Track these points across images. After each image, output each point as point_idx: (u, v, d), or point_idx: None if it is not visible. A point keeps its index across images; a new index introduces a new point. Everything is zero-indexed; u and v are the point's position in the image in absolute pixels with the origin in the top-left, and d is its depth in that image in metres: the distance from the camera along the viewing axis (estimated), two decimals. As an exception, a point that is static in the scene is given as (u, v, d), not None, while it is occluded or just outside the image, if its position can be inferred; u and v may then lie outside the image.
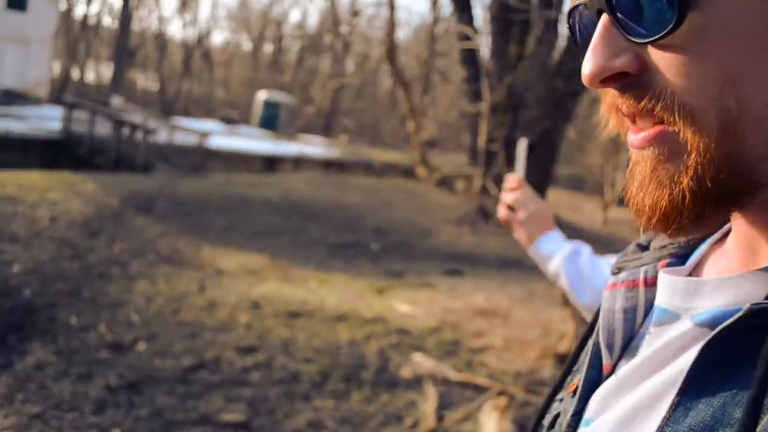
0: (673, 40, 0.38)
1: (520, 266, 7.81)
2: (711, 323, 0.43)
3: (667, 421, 0.40)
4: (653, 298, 0.51)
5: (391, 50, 7.62)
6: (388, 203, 11.89)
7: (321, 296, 5.67)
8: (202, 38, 37.65)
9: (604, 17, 0.42)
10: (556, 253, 1.23)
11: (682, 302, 0.47)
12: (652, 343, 0.48)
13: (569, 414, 0.53)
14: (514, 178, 1.31)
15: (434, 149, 20.79)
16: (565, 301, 4.43)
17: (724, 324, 0.39)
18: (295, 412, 3.50)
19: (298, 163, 18.36)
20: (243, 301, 5.23)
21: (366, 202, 11.63)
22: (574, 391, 0.54)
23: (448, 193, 12.03)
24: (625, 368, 0.49)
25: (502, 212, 1.31)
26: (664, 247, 0.55)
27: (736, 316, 0.39)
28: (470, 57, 9.87)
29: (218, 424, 3.28)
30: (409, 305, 5.69)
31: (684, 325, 0.45)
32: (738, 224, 0.46)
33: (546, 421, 0.59)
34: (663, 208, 0.42)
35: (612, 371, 0.51)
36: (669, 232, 0.43)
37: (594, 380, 0.52)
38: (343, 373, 4.07)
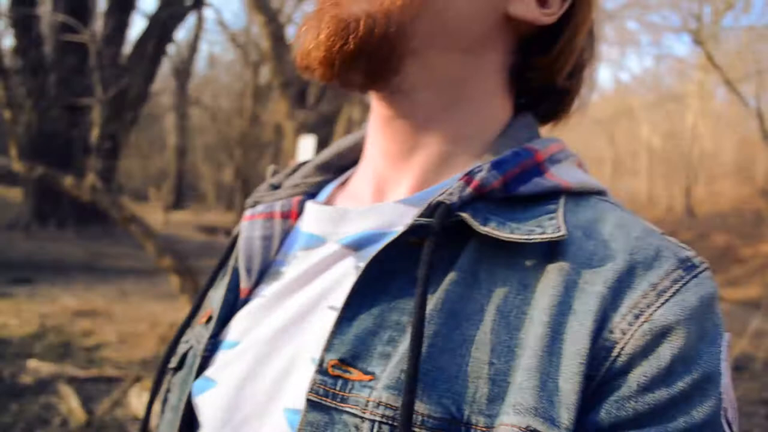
0: None
1: (90, 270, 7.69)
2: (356, 244, 0.51)
3: (335, 333, 0.45)
4: (288, 229, 0.59)
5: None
6: None
7: None
8: None
9: None
10: None
11: (329, 228, 0.53)
12: (299, 265, 0.53)
13: (205, 339, 0.54)
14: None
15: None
16: (183, 290, 4.74)
17: (388, 241, 0.45)
18: None
19: None
20: None
21: None
22: (208, 320, 0.56)
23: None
24: (272, 288, 0.53)
25: None
26: (297, 185, 0.62)
27: (399, 232, 0.45)
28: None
29: None
30: (-8, 316, 5.11)
31: (331, 248, 0.52)
32: (373, 152, 0.56)
33: (174, 363, 0.58)
34: (339, 46, 0.48)
35: (249, 295, 0.56)
36: (336, 75, 0.49)
37: (231, 304, 0.55)
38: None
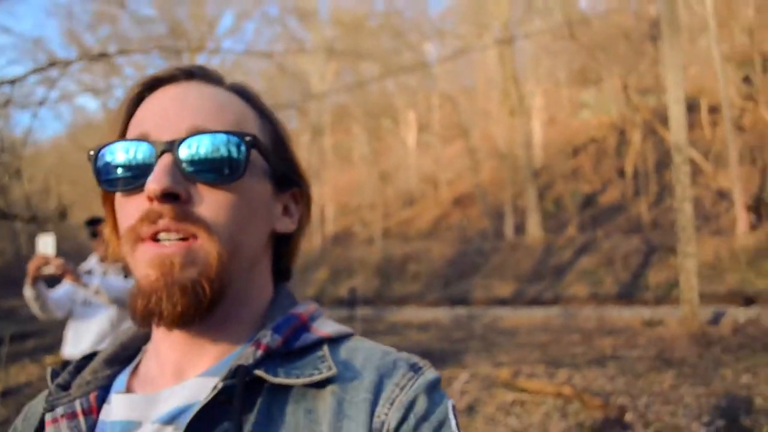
0: (225, 187, 0.66)
1: None
2: (172, 418, 0.64)
3: None
4: (92, 425, 0.68)
5: None
6: None
7: None
8: None
9: (168, 157, 0.65)
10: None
11: (143, 412, 0.66)
12: None
13: None
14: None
15: None
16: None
17: (201, 404, 0.61)
18: None
19: None
20: None
21: None
22: None
23: None
24: None
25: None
26: (89, 382, 0.72)
27: (210, 396, 0.62)
28: None
29: None
30: None
31: (148, 428, 0.64)
32: (170, 347, 0.69)
33: None
34: (185, 305, 0.63)
35: None
36: (184, 322, 0.64)
37: None
38: None
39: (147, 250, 0.64)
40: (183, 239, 0.64)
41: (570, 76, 27.92)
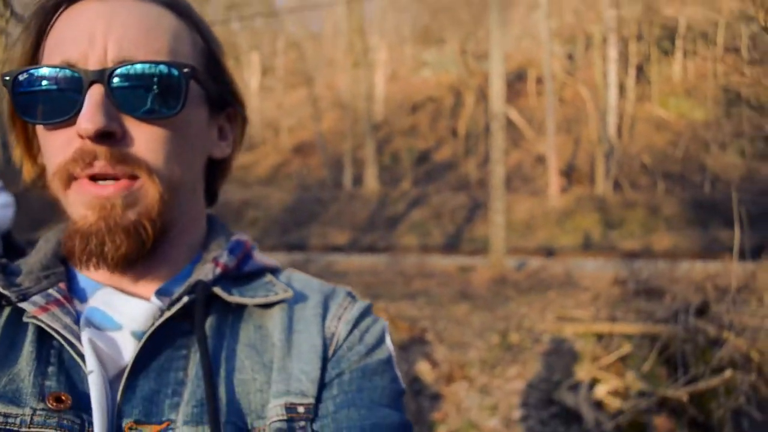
0: (162, 122, 0.64)
1: None
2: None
3: (123, 401, 0.62)
4: (77, 311, 0.67)
5: None
6: None
7: None
8: None
9: (98, 89, 0.61)
10: None
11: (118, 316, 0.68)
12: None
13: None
14: None
15: None
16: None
17: (162, 318, 0.65)
18: None
19: None
20: None
21: None
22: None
23: None
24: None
25: None
26: (47, 276, 0.70)
27: (175, 308, 0.66)
28: None
29: None
30: None
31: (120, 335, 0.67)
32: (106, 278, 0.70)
33: None
34: (129, 247, 0.63)
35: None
36: (128, 263, 0.65)
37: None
38: None
39: (84, 191, 0.63)
40: (121, 179, 0.63)
41: (414, 34, 28.96)
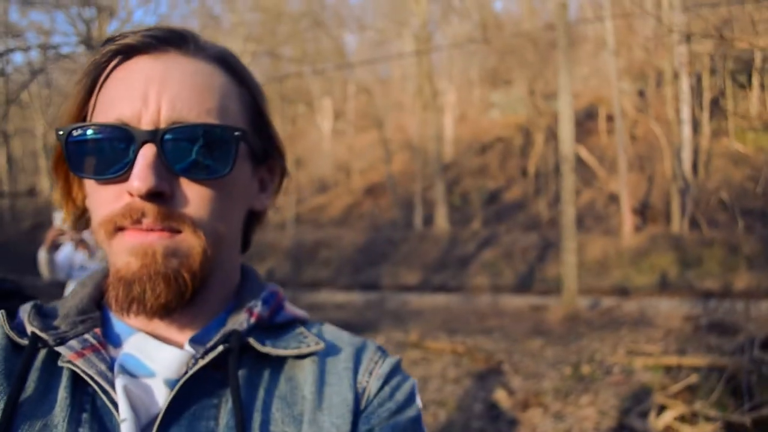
0: (211, 183, 0.66)
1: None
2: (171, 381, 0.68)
3: None
4: (111, 357, 0.68)
5: None
6: None
7: None
8: None
9: (151, 149, 0.63)
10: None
11: (151, 363, 0.68)
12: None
13: None
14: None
15: None
16: None
17: (196, 366, 0.65)
18: None
19: None
20: None
21: None
22: None
23: None
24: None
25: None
26: (83, 321, 0.71)
27: (209, 357, 0.66)
28: None
29: None
30: None
31: (153, 382, 0.67)
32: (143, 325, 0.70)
33: None
34: (168, 296, 0.65)
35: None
36: (167, 312, 0.66)
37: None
38: None
39: (128, 239, 0.65)
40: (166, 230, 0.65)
41: (482, 76, 29.50)
